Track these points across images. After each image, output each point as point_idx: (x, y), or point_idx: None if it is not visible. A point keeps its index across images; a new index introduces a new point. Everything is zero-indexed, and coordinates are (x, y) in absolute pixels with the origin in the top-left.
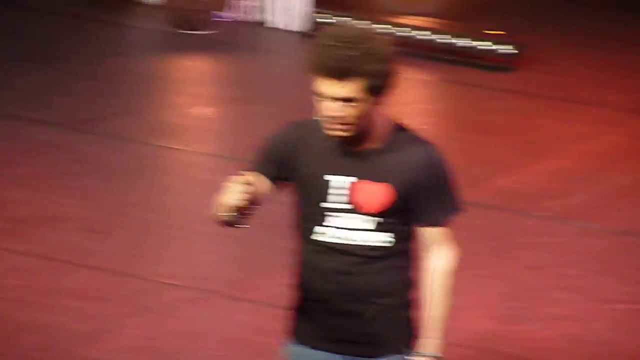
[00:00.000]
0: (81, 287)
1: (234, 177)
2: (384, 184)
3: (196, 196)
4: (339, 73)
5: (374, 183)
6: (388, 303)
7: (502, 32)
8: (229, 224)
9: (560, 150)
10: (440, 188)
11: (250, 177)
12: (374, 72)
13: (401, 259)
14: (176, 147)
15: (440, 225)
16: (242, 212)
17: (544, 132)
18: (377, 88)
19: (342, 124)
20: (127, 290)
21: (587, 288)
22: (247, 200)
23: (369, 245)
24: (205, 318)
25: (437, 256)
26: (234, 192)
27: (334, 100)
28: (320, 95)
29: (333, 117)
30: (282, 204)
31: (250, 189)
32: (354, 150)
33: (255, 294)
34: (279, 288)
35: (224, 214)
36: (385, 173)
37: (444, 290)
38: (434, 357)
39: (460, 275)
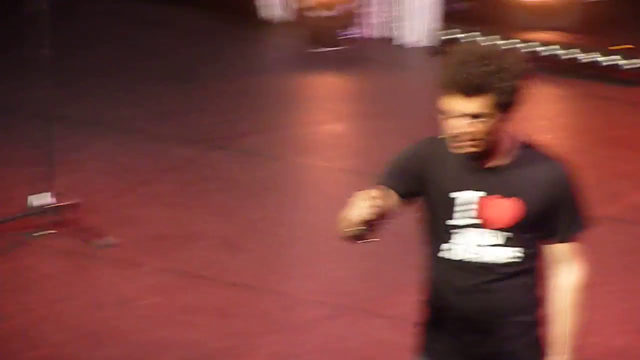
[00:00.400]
0: (222, 304)
1: (361, 192)
2: (514, 198)
3: (333, 212)
4: (469, 89)
5: (504, 198)
6: (522, 320)
7: (631, 46)
8: (355, 238)
9: None
10: (570, 204)
11: (377, 191)
12: (504, 89)
13: (531, 276)
14: (314, 163)
15: (570, 241)
16: (369, 226)
17: None
18: (506, 104)
19: (470, 140)
20: (267, 306)
21: None
22: (373, 214)
23: (499, 262)
24: (345, 334)
25: (567, 272)
26: (361, 206)
27: (463, 116)
28: (448, 112)
29: (461, 134)
30: (416, 219)
31: (377, 202)
32: (483, 165)
33: (393, 310)
34: (417, 304)
35: (349, 228)
36: (515, 188)
37: (573, 306)
38: None
39: (596, 290)
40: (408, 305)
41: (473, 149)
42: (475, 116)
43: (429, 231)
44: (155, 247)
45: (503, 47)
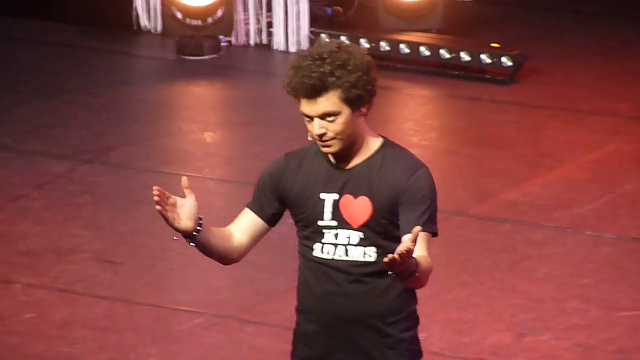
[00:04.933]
0: (97, 318)
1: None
2: (363, 197)
3: (208, 221)
4: (313, 91)
5: (355, 197)
6: (384, 323)
7: (504, 45)
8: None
9: (569, 161)
10: (417, 205)
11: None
12: (347, 83)
13: (391, 277)
14: (186, 173)
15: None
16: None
17: (551, 143)
18: (354, 98)
19: (332, 139)
20: (141, 318)
21: (601, 297)
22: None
23: (355, 261)
24: (223, 343)
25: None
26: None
27: (317, 117)
28: (304, 115)
29: (321, 135)
30: (293, 228)
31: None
32: (342, 166)
33: (270, 318)
34: (292, 310)
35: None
36: (364, 188)
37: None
38: None
39: (467, 289)
40: (283, 312)
41: (334, 148)
42: (325, 116)
43: (302, 234)
44: (26, 263)
45: (347, 44)
